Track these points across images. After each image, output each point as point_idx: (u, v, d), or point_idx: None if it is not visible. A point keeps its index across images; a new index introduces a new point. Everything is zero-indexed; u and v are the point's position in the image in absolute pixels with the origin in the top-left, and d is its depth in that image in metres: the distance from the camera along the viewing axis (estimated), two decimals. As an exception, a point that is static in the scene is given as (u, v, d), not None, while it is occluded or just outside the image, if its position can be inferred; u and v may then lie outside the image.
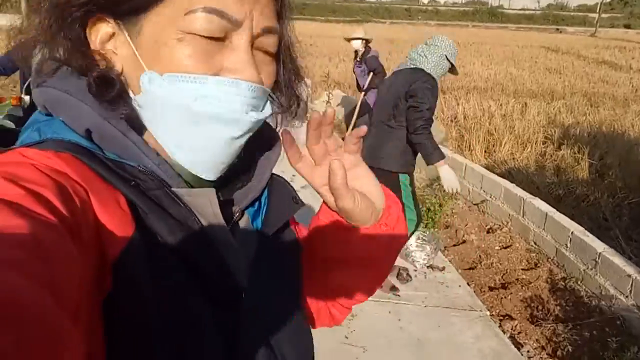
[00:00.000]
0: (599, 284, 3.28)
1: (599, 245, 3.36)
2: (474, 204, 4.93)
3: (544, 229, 3.94)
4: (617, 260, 3.16)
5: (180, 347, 0.51)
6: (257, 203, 0.67)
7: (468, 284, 3.53)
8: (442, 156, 3.00)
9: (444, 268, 3.65)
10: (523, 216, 4.20)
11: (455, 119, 8.52)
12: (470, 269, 3.79)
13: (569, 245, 3.63)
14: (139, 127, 0.55)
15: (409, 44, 20.64)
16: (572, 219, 4.32)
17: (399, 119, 3.06)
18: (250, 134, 0.57)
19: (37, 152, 0.48)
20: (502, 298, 3.36)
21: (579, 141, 6.77)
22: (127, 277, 0.48)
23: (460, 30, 33.37)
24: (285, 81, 0.66)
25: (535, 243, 4.05)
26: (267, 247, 0.65)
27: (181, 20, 0.51)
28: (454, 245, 4.14)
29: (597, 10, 46.29)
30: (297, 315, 0.68)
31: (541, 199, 4.53)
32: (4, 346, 0.27)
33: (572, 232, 3.61)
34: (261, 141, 0.66)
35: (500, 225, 4.45)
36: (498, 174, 5.92)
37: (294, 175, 0.75)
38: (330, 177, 0.60)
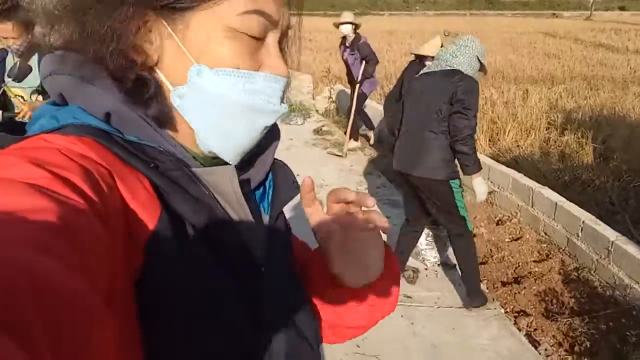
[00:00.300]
0: (612, 273, 3.20)
1: (611, 234, 3.28)
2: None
3: (554, 218, 3.86)
4: (631, 248, 3.08)
5: (212, 320, 0.53)
6: (262, 187, 0.70)
7: (480, 280, 3.45)
8: (480, 168, 2.92)
9: (455, 265, 3.58)
10: (532, 206, 4.10)
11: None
12: (482, 264, 3.70)
13: (580, 234, 3.55)
14: (164, 121, 0.57)
15: (408, 35, 20.58)
16: (580, 205, 4.24)
17: (443, 124, 2.85)
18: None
19: (60, 137, 0.49)
20: (515, 293, 3.28)
21: (582, 125, 6.68)
22: (160, 258, 0.49)
23: (458, 19, 33.23)
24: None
25: (545, 233, 3.97)
26: (276, 227, 0.68)
27: (233, 19, 0.54)
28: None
29: (593, -7, 46.05)
30: (304, 291, 0.72)
31: (549, 187, 4.45)
32: (36, 326, 0.28)
33: (583, 222, 3.52)
34: None
35: (509, 217, 4.36)
36: (504, 163, 5.84)
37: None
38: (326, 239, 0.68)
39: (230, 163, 0.60)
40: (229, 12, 0.54)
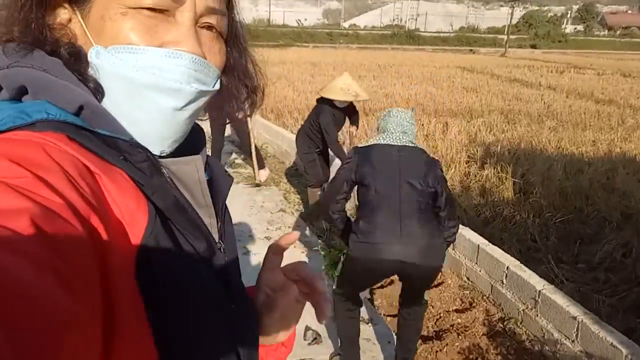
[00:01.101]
0: (540, 326, 2.91)
1: (537, 282, 3.02)
2: None
3: (476, 262, 3.57)
4: (559, 299, 2.81)
5: (204, 298, 0.58)
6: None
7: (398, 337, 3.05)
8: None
9: (370, 320, 3.17)
10: (453, 249, 3.80)
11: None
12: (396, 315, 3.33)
13: (504, 281, 3.27)
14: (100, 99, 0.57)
15: (331, 66, 20.64)
16: (501, 243, 4.00)
17: (432, 205, 2.51)
18: (194, 107, 0.60)
19: (35, 134, 0.47)
20: (437, 351, 2.92)
21: (501, 160, 6.63)
22: (152, 248, 0.51)
23: (380, 52, 34.00)
24: (238, 67, 0.70)
25: (468, 279, 3.68)
26: (226, 217, 0.72)
27: None
28: (381, 287, 3.68)
29: (505, 32, 48.96)
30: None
31: (469, 223, 4.19)
32: None
33: (507, 267, 3.25)
34: (194, 131, 0.69)
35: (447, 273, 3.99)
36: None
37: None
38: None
39: (159, 153, 0.59)
40: None
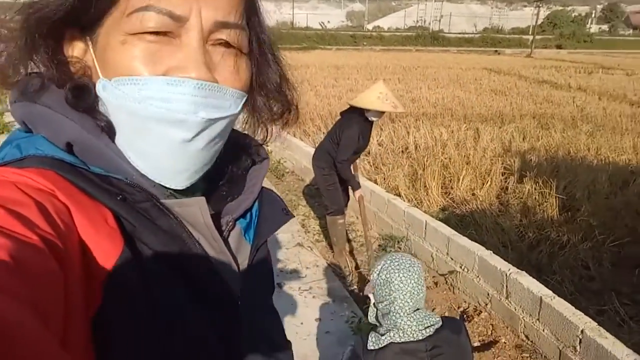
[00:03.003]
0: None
1: (618, 349, 2.40)
2: (441, 275, 3.92)
3: (538, 319, 2.91)
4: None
5: (178, 358, 0.52)
6: (248, 215, 0.68)
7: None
8: None
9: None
10: (507, 298, 3.16)
11: (406, 149, 7.80)
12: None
13: (578, 348, 2.63)
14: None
15: (355, 69, 20.28)
16: (551, 273, 3.48)
17: None
18: (208, 136, 0.55)
19: (18, 171, 0.48)
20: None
21: (541, 172, 6.13)
22: (120, 293, 0.48)
23: (405, 54, 33.47)
24: (268, 86, 0.66)
25: (527, 337, 3.06)
26: (258, 257, 0.67)
27: (124, 22, 0.52)
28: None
29: (531, 32, 47.94)
30: (281, 326, 0.73)
31: (512, 247, 3.70)
32: None
33: (582, 331, 2.60)
34: (249, 153, 0.69)
35: (476, 308, 3.45)
36: (459, 217, 5.16)
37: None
38: None
39: (177, 188, 0.57)
40: (119, 16, 0.52)
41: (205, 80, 0.53)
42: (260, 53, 0.63)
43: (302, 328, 3.26)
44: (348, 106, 4.34)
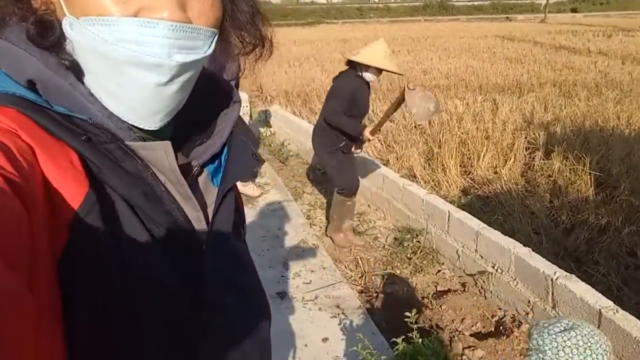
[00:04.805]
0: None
1: None
2: (469, 275, 3.34)
3: (598, 327, 2.35)
4: None
5: (143, 297, 0.52)
6: (217, 161, 0.67)
7: None
8: None
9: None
10: (554, 307, 2.58)
11: (420, 125, 7.25)
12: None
13: None
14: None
15: (362, 42, 19.54)
16: (595, 265, 2.96)
17: None
18: (183, 79, 0.54)
19: None
20: None
21: (570, 145, 5.56)
22: (85, 235, 0.48)
23: (413, 25, 32.45)
24: (240, 18, 0.64)
25: None
26: (225, 202, 0.65)
27: None
28: None
29: (544, -4, 46.46)
30: (253, 270, 0.72)
31: (546, 235, 3.18)
32: None
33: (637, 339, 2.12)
34: (220, 97, 0.66)
35: (515, 319, 2.83)
36: (482, 199, 4.64)
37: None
38: None
39: (149, 128, 0.56)
40: None
41: (179, 21, 0.51)
42: None
43: (305, 352, 2.69)
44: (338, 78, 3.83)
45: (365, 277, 3.51)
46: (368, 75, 3.63)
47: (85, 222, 0.48)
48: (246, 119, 7.92)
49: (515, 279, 2.88)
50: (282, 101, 8.76)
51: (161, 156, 0.56)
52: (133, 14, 0.49)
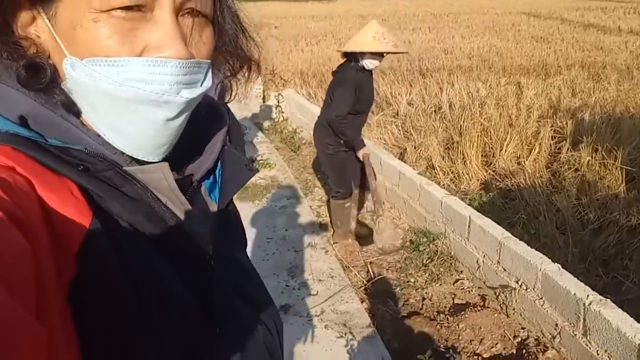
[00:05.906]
0: None
1: None
2: (490, 288, 3.06)
3: None
4: None
5: (156, 319, 0.52)
6: (212, 176, 0.68)
7: None
8: None
9: None
10: (585, 335, 2.27)
11: (440, 109, 6.94)
12: None
13: None
14: (76, 112, 0.54)
15: (381, 18, 19.07)
16: (621, 272, 2.70)
17: None
18: (188, 112, 0.56)
19: None
20: None
21: (599, 135, 5.23)
22: (94, 263, 0.48)
23: (435, 0, 31.65)
24: (228, 43, 0.65)
25: None
26: (225, 215, 0.67)
27: None
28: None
29: (572, -29, 44.81)
30: (258, 279, 0.73)
31: (572, 234, 2.91)
32: None
33: None
34: (210, 114, 0.67)
35: (539, 341, 2.58)
36: (502, 193, 4.38)
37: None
38: None
39: (152, 161, 0.56)
40: None
41: (184, 58, 0.52)
42: (221, 12, 0.61)
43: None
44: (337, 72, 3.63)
45: (375, 284, 3.30)
46: (367, 63, 3.41)
47: (92, 250, 0.48)
48: (259, 101, 7.70)
49: (541, 298, 2.61)
50: (297, 82, 8.49)
51: (160, 178, 0.57)
52: (139, 53, 0.50)
